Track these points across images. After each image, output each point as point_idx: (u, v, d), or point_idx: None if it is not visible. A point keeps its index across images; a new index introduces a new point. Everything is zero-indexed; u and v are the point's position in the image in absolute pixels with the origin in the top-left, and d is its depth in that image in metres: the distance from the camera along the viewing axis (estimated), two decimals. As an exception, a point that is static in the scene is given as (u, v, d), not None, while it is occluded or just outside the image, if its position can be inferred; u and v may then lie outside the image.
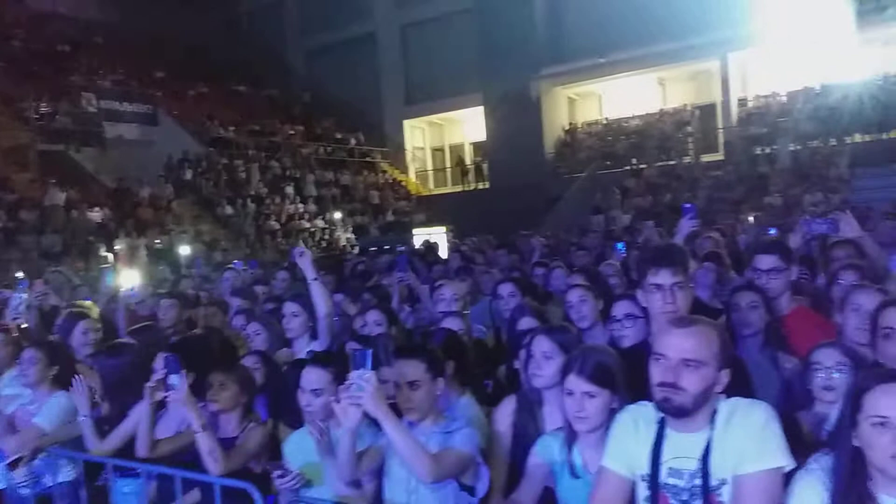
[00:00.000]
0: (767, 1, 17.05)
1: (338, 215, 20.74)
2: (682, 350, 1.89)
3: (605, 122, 23.26)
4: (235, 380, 3.02)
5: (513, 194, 19.48)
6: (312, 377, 2.73)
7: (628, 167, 20.36)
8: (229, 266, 7.98)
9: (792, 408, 2.50)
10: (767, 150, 18.32)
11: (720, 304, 4.18)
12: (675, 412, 1.90)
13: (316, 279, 3.91)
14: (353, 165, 24.34)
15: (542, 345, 2.55)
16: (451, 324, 3.63)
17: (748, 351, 2.99)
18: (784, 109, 19.51)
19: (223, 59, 25.78)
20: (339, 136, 25.20)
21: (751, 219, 11.09)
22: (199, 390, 2.94)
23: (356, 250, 16.89)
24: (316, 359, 2.88)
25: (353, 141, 25.25)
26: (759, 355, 2.90)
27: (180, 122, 21.43)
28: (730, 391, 1.97)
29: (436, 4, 24.91)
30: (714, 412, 1.93)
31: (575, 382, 2.20)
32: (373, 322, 3.98)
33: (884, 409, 1.63)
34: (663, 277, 2.40)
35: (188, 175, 19.47)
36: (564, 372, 2.27)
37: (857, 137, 17.28)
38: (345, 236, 20.18)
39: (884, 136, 16.86)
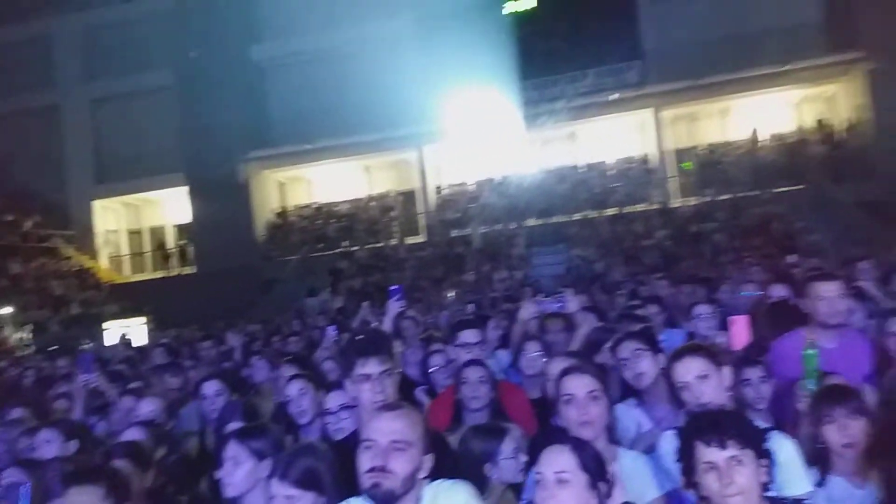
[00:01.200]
0: (455, 101, 19.23)
1: (6, 310, 17.72)
2: (390, 432, 1.93)
3: (315, 205, 23.71)
4: None
5: (222, 279, 18.64)
6: None
7: (340, 249, 20.88)
8: None
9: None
10: (462, 233, 20.26)
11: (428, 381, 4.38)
12: (383, 498, 1.90)
13: None
14: (28, 251, 21.19)
15: (231, 450, 2.42)
16: (134, 434, 3.23)
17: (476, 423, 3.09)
18: (473, 197, 21.89)
19: None
20: (9, 217, 21.83)
21: (451, 294, 12.02)
22: None
23: (31, 351, 14.51)
24: None
25: (28, 223, 22.08)
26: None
27: None
28: (436, 472, 2.02)
29: (130, 79, 23.38)
30: (418, 500, 1.96)
31: (277, 487, 2.13)
32: (43, 441, 3.36)
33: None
34: (371, 367, 2.47)
35: None
36: (270, 475, 2.19)
37: (532, 221, 20.02)
38: (17, 335, 17.26)
39: (552, 220, 19.77)
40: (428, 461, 1.98)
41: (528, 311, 4.54)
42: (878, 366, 3.10)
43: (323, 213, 23.18)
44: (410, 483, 1.93)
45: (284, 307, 15.65)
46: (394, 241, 21.02)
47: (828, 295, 3.16)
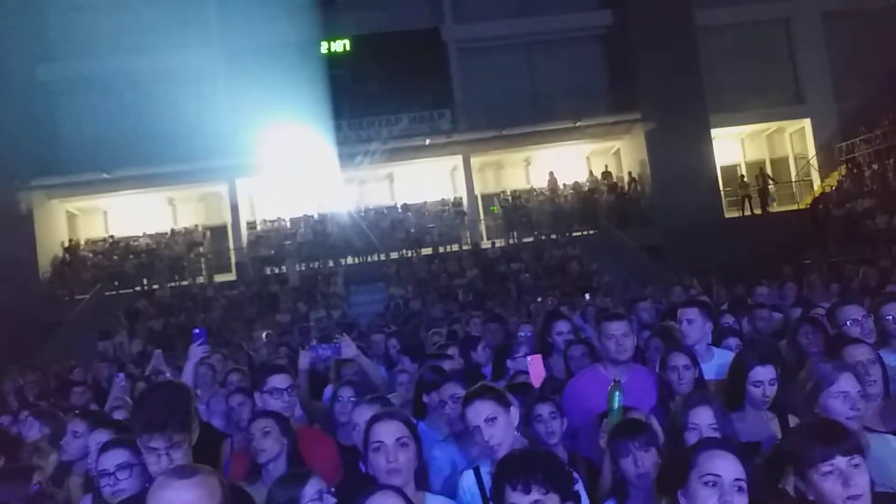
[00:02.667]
0: (269, 136, 18.79)
1: None
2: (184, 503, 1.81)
3: (111, 239, 21.79)
4: None
5: (-2, 321, 16.39)
6: None
7: (139, 288, 19.31)
8: None
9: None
10: (277, 271, 19.67)
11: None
12: None
13: None
14: None
15: None
16: None
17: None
18: (288, 233, 21.42)
19: None
20: None
21: (264, 336, 11.57)
22: None
23: None
24: None
25: None
26: None
27: None
28: None
29: None
30: None
31: None
32: None
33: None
34: (157, 442, 2.30)
35: None
36: None
37: (350, 259, 20.00)
38: None
39: (369, 258, 19.91)
40: None
41: (304, 360, 4.53)
42: (661, 397, 3.42)
43: (120, 247, 21.33)
44: None
45: (71, 352, 14.07)
46: (201, 279, 19.88)
47: (616, 333, 3.47)
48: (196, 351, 3.97)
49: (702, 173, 20.47)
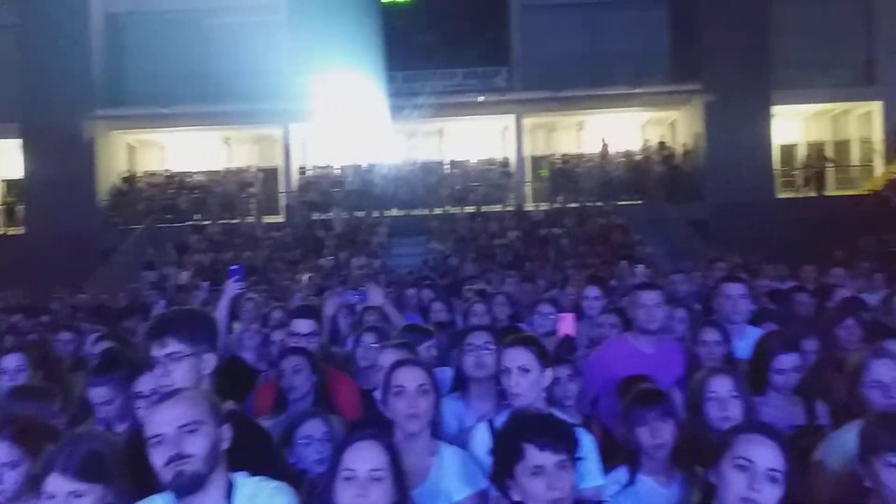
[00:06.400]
0: (324, 83, 18.92)
1: None
2: (174, 419, 1.85)
3: (167, 174, 22.41)
4: None
5: (56, 243, 17.17)
6: None
7: (190, 222, 19.91)
8: None
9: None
10: (323, 216, 20.02)
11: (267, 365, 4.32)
12: (190, 484, 1.83)
13: None
14: None
15: None
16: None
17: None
18: (337, 181, 21.69)
19: None
20: None
21: (306, 277, 11.83)
22: None
23: None
24: None
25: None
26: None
27: None
28: (251, 461, 2.00)
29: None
30: (230, 487, 1.91)
31: (56, 483, 1.90)
32: None
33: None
34: (157, 350, 2.26)
35: None
36: (44, 472, 1.95)
37: (395, 212, 20.20)
38: None
39: (412, 212, 20.07)
40: (226, 432, 1.93)
41: (330, 305, 4.56)
42: (688, 371, 3.33)
43: (175, 182, 21.95)
44: (213, 460, 1.87)
45: (121, 280, 14.71)
46: (250, 219, 20.38)
47: (648, 303, 3.47)
48: (232, 286, 4.03)
49: (758, 151, 19.87)
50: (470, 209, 19.88)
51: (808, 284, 6.55)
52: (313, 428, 2.69)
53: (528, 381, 2.60)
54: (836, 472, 2.32)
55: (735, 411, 2.60)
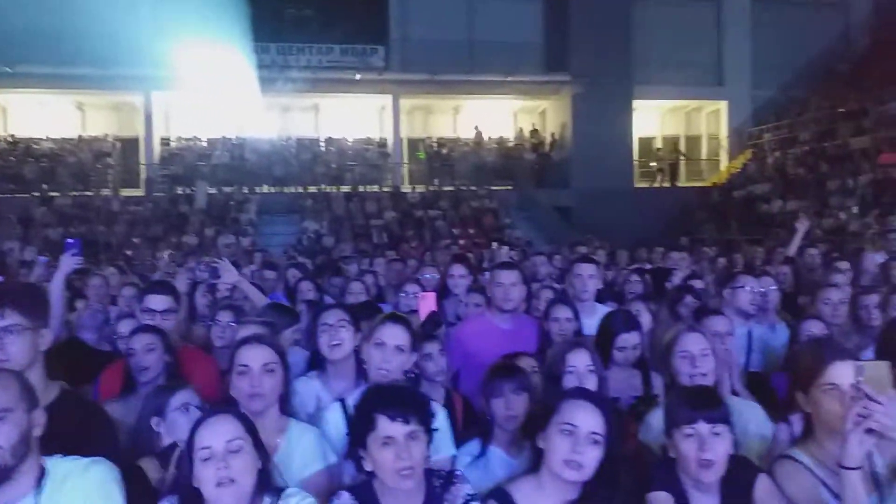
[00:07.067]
0: (192, 51, 17.88)
1: None
2: None
3: (10, 139, 20.40)
4: None
5: None
6: None
7: (37, 193, 18.28)
8: None
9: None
10: (188, 191, 19.04)
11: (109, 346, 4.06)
12: None
13: None
14: None
15: None
16: None
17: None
18: (203, 154, 20.68)
19: None
20: None
21: (165, 255, 11.19)
22: None
23: None
24: None
25: None
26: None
27: None
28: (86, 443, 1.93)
29: None
30: (43, 474, 1.82)
31: None
32: None
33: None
34: None
35: None
36: None
37: (265, 188, 19.58)
38: None
39: (285, 189, 19.56)
40: (39, 417, 1.83)
41: (182, 281, 4.43)
42: (541, 346, 3.53)
43: (20, 148, 20.03)
44: (24, 450, 1.77)
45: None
46: (106, 192, 19.01)
47: (505, 282, 3.63)
48: (68, 261, 3.76)
49: (619, 142, 21.11)
50: (346, 188, 19.66)
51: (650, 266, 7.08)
52: (188, 396, 2.54)
53: (399, 360, 2.62)
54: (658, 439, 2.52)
55: (591, 384, 2.72)
